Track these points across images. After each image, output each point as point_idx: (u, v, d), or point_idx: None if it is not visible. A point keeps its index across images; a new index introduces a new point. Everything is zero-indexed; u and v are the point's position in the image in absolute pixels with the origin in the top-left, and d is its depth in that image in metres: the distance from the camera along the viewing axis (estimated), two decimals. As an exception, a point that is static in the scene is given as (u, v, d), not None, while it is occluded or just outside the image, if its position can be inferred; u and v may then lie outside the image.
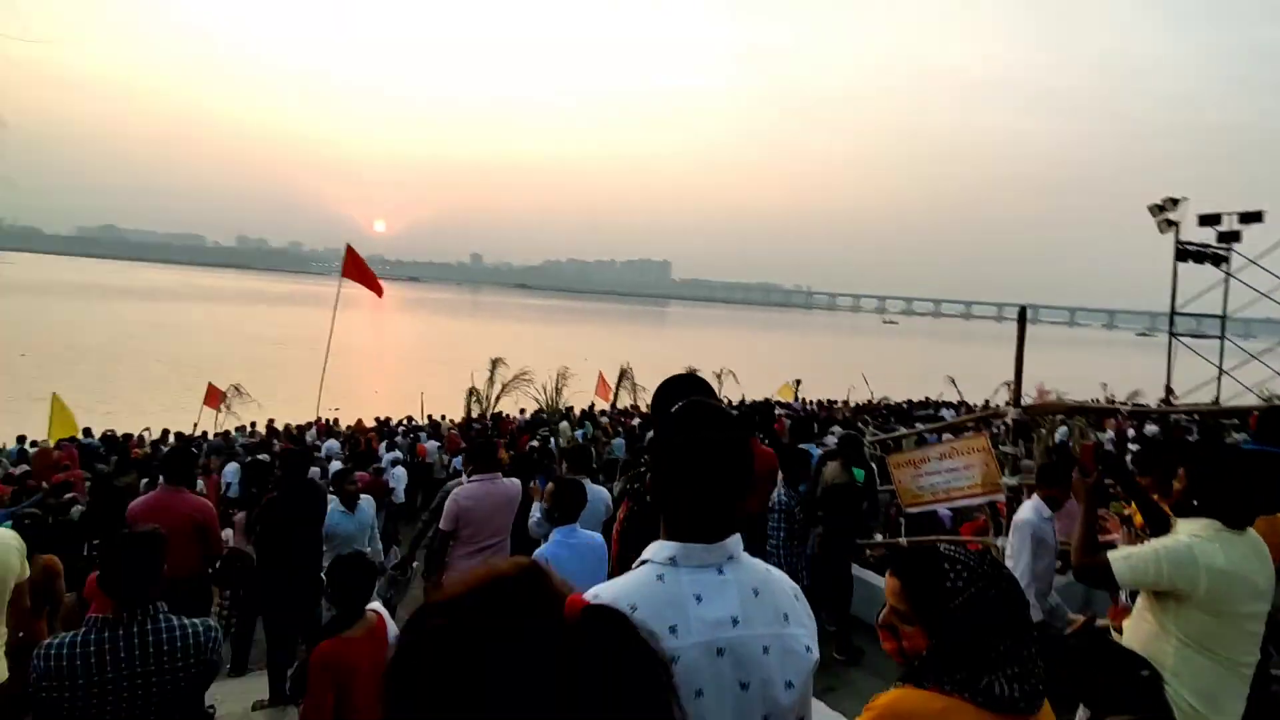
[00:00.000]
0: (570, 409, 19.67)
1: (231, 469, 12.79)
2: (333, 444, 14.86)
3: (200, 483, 12.23)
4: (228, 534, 5.96)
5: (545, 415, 17.49)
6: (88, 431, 15.17)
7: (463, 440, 15.60)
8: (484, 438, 6.68)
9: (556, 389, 20.02)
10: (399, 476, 13.05)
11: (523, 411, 20.46)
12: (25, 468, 12.26)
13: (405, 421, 18.84)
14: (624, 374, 22.53)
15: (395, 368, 45.00)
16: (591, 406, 21.28)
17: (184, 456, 4.60)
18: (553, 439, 15.97)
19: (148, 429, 16.55)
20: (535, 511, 4.90)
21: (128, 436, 15.65)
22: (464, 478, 4.88)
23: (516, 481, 4.79)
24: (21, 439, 14.36)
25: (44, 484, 11.37)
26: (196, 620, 2.41)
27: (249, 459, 13.57)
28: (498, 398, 18.60)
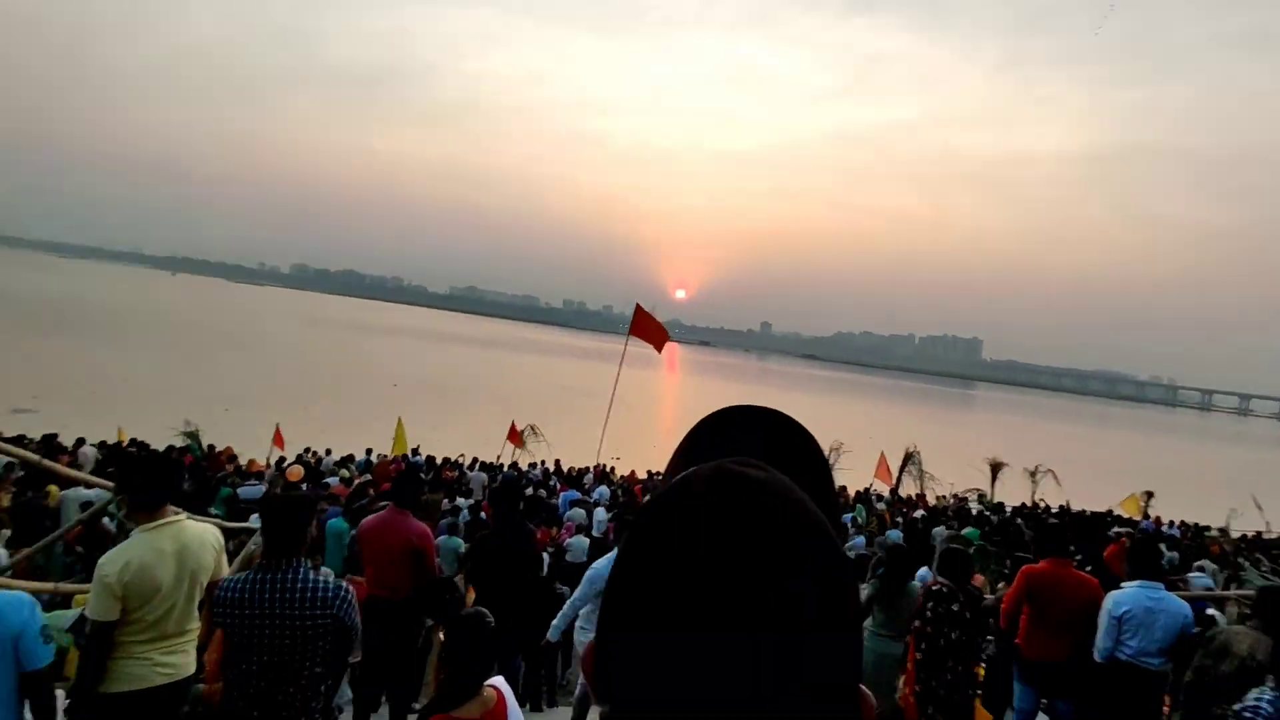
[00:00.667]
0: (842, 489, 18.02)
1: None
2: (604, 490, 15.30)
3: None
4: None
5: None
6: (415, 451, 17.74)
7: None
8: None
9: (833, 464, 18.56)
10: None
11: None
12: (368, 476, 14.50)
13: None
14: (909, 457, 20.18)
15: (677, 425, 46.62)
16: (868, 489, 19.31)
17: (412, 481, 4.63)
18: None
19: (461, 455, 18.82)
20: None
21: (445, 461, 17.89)
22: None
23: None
24: (369, 452, 17.25)
25: (370, 490, 13.30)
26: (330, 579, 2.78)
27: (533, 495, 14.59)
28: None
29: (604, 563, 4.73)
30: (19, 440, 14.56)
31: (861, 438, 19.99)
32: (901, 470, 20.34)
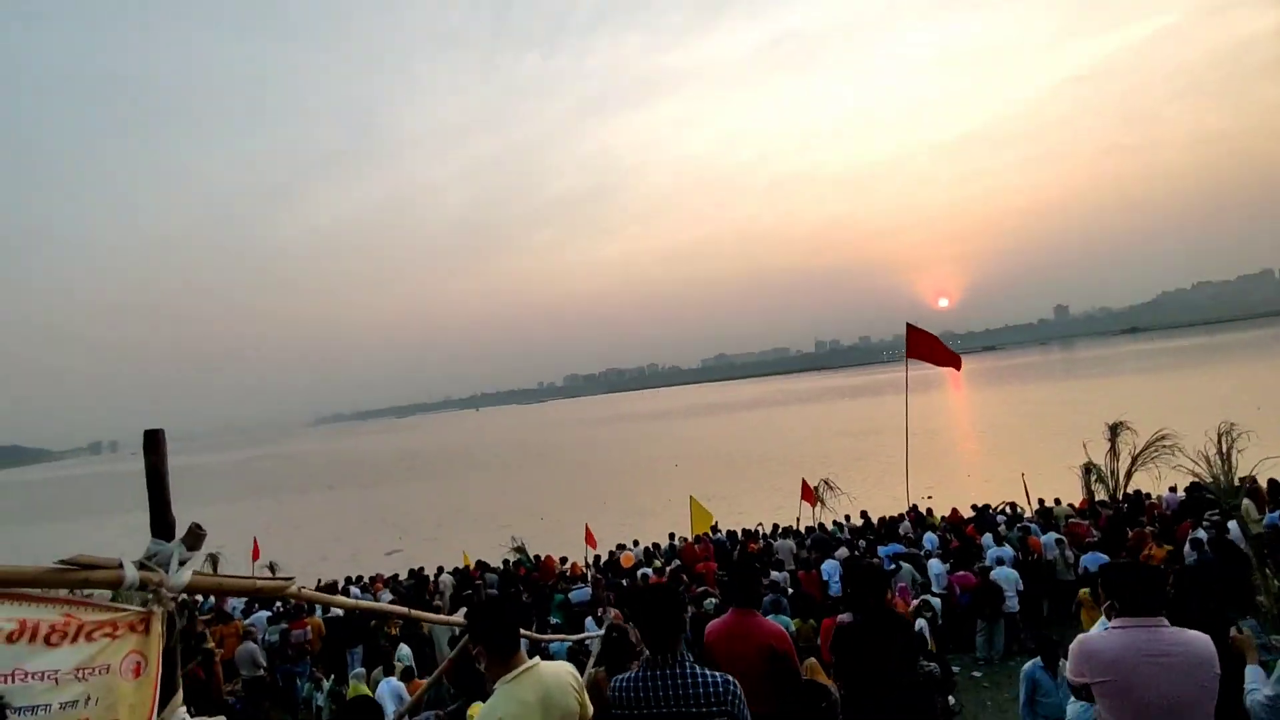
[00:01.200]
0: (1253, 480, 13.94)
1: (830, 565, 12.58)
2: (932, 538, 13.50)
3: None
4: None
5: (1211, 491, 12.56)
6: (715, 528, 17.44)
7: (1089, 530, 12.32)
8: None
9: (1223, 453, 14.47)
10: (1008, 578, 10.77)
11: (1174, 489, 15.43)
12: (677, 562, 14.41)
13: (1008, 508, 16.17)
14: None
15: (986, 448, 41.27)
16: None
17: (749, 576, 3.98)
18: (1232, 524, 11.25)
19: (759, 524, 18.14)
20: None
21: (745, 532, 17.30)
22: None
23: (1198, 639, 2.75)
24: (671, 536, 17.32)
25: (683, 577, 13.09)
26: (718, 674, 2.76)
27: (849, 555, 13.32)
28: (1128, 472, 14.34)
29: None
30: (394, 579, 16.99)
31: (1247, 412, 15.39)
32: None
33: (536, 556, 16.78)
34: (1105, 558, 11.11)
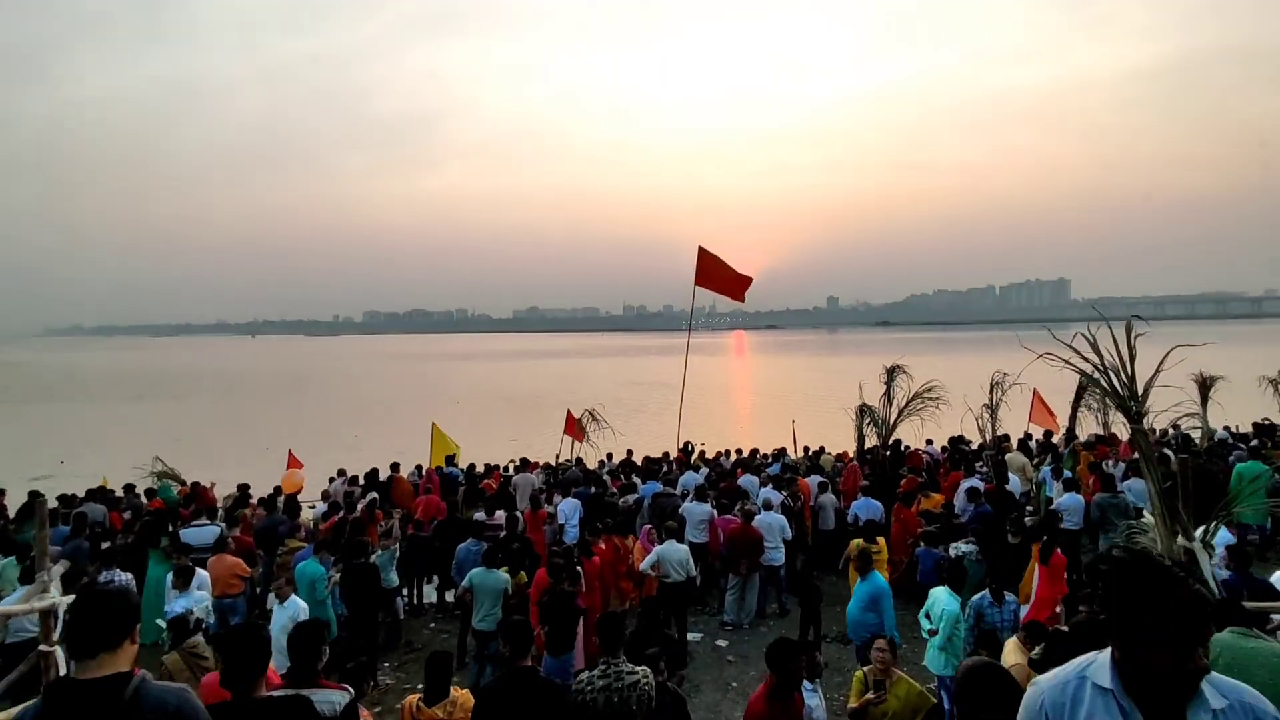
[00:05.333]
0: (1005, 437, 13.65)
1: (569, 504, 10.03)
2: (692, 476, 11.46)
3: (520, 514, 9.66)
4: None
5: (967, 444, 11.85)
6: (451, 460, 14.31)
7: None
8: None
9: (992, 405, 14.05)
10: (773, 524, 8.89)
11: (930, 443, 14.93)
12: (373, 496, 11.17)
13: (777, 453, 14.79)
14: (1083, 390, 15.48)
15: (761, 403, 42.36)
16: (1048, 435, 14.85)
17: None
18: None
19: (512, 460, 15.31)
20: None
21: (490, 468, 14.34)
22: None
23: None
24: (394, 466, 13.90)
25: (379, 515, 9.89)
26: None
27: (595, 494, 10.87)
28: (898, 418, 13.38)
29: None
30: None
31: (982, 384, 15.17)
32: (1076, 405, 15.66)
33: (195, 484, 12.53)
34: (877, 504, 9.67)
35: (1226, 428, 15.39)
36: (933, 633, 5.92)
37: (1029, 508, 10.30)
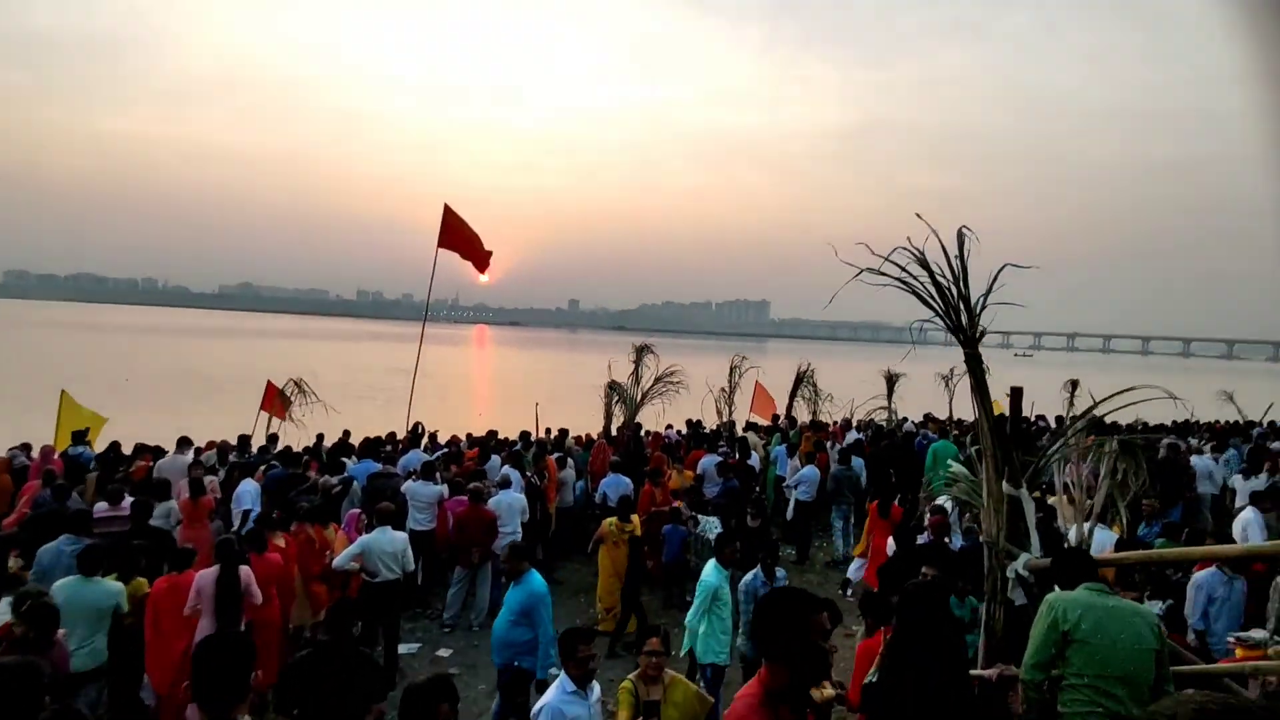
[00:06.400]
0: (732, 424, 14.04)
1: (249, 487, 7.82)
2: (416, 456, 9.77)
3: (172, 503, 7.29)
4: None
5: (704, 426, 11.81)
6: (83, 436, 10.68)
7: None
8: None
9: (729, 390, 14.33)
10: (512, 504, 7.68)
11: (670, 427, 14.89)
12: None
13: (521, 436, 13.62)
14: (802, 378, 16.61)
15: (506, 392, 40.95)
16: (775, 419, 15.61)
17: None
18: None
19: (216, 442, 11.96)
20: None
21: (142, 449, 10.82)
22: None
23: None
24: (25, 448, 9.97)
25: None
26: None
27: (284, 476, 8.66)
28: (640, 402, 13.03)
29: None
30: None
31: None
32: (793, 395, 16.75)
33: None
34: (626, 480, 8.95)
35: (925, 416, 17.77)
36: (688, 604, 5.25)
37: (756, 487, 10.61)
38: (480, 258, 14.76)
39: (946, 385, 18.02)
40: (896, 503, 8.53)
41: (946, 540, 6.20)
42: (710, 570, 5.37)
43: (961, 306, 3.73)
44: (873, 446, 11.91)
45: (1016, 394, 4.07)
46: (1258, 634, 4.29)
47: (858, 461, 10.30)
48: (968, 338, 3.81)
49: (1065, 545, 4.44)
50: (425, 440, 13.22)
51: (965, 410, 18.33)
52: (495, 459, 10.07)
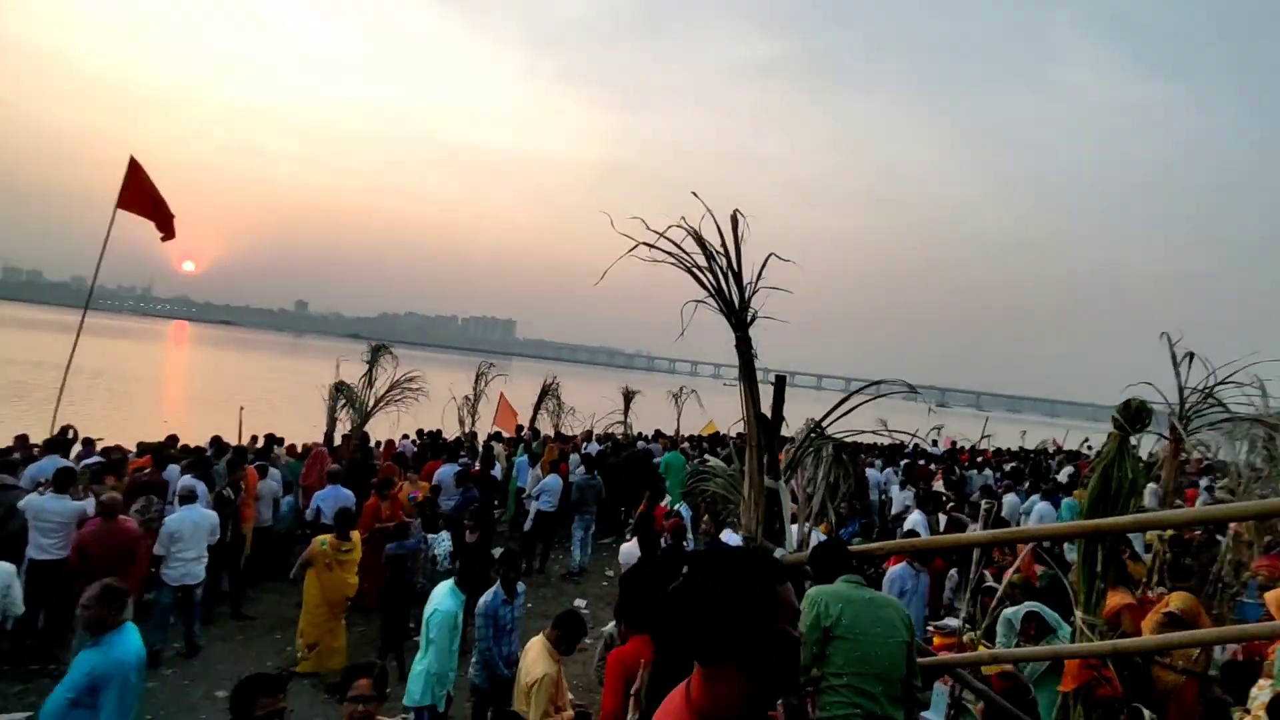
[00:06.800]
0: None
1: None
2: (51, 463, 7.49)
3: None
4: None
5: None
6: None
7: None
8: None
9: (473, 399, 13.53)
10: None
11: (406, 436, 13.67)
12: None
13: (212, 442, 11.40)
14: (547, 390, 16.54)
15: (202, 396, 34.84)
16: (519, 430, 15.16)
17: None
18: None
19: None
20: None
21: None
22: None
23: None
24: None
25: None
26: None
27: None
28: (372, 408, 11.71)
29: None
30: None
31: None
32: (538, 408, 16.56)
33: None
34: (348, 493, 7.77)
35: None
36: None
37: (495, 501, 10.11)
38: (164, 218, 12.44)
39: (675, 402, 19.15)
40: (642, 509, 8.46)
41: (685, 542, 6.33)
42: (446, 595, 4.63)
43: (735, 285, 3.62)
44: (612, 458, 12.06)
45: (780, 382, 4.08)
46: (953, 622, 4.76)
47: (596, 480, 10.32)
48: (739, 320, 3.71)
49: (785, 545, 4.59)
50: (78, 447, 10.42)
51: (692, 425, 19.77)
52: (174, 468, 8.15)
